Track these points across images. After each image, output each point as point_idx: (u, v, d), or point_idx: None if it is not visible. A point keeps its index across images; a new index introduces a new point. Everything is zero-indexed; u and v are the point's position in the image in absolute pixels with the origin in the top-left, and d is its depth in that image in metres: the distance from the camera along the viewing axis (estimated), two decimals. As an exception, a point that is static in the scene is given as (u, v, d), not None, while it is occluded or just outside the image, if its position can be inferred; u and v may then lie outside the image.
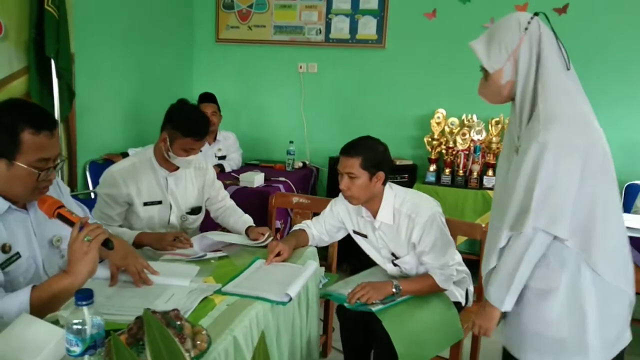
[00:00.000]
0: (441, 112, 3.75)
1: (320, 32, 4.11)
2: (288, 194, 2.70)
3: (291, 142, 3.85)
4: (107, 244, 1.35)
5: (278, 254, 1.88)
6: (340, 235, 2.22)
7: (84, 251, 1.31)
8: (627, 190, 3.48)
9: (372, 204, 1.98)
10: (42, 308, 1.26)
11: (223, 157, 3.69)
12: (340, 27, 4.07)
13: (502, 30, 1.40)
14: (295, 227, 2.19)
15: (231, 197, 3.09)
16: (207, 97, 3.65)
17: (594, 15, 3.62)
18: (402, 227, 1.95)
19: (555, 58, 1.37)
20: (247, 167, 3.80)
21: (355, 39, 4.06)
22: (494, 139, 3.68)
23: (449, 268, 1.93)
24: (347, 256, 3.09)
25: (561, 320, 1.38)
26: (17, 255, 1.41)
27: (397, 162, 3.70)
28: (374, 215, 2.00)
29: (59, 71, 2.84)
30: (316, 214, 2.65)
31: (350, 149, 1.92)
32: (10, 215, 1.41)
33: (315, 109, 4.20)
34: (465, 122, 3.72)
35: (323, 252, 2.22)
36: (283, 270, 1.81)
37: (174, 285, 1.57)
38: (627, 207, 3.32)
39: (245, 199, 3.07)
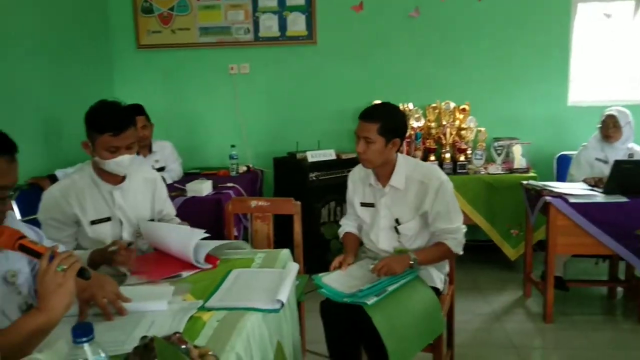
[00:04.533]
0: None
1: (249, 31, 4.00)
2: (245, 198, 2.58)
3: (233, 146, 3.71)
4: (83, 273, 1.19)
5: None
6: None
7: (58, 283, 1.14)
8: (558, 161, 3.70)
9: (384, 169, 2.04)
10: (13, 354, 1.08)
11: (162, 169, 3.48)
12: (269, 25, 3.98)
13: None
14: (339, 232, 2.27)
15: (179, 209, 2.93)
16: (135, 110, 3.41)
17: None
18: (412, 192, 2.02)
19: None
20: (188, 176, 3.61)
21: (285, 36, 3.99)
22: (433, 125, 3.77)
23: (460, 233, 2.02)
24: (304, 258, 3.03)
25: None
26: None
27: (343, 157, 3.68)
28: (383, 181, 2.06)
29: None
30: (278, 215, 2.57)
31: (369, 113, 1.97)
32: None
33: (251, 110, 4.08)
34: (403, 110, 3.78)
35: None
36: (264, 276, 1.70)
37: (151, 310, 1.41)
38: (562, 177, 3.53)
39: (195, 210, 2.91)
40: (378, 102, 3.72)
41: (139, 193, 2.06)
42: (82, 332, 0.81)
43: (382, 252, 2.10)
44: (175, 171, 3.53)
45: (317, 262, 3.38)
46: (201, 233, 1.84)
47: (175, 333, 1.03)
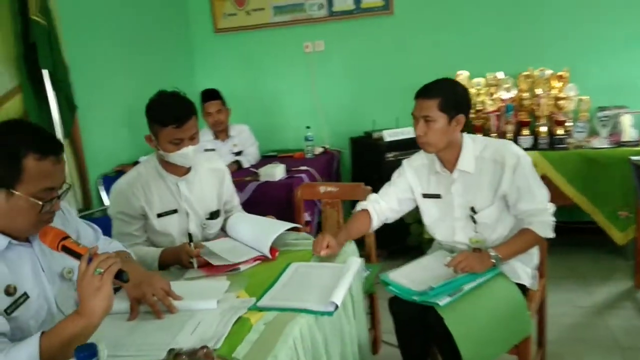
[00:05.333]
0: (463, 74, 3.49)
1: (323, 6, 3.85)
2: (314, 184, 2.49)
3: (308, 127, 3.63)
4: (120, 275, 1.16)
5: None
6: (407, 208, 2.03)
7: (96, 286, 1.12)
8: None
9: (449, 152, 1.82)
10: (54, 357, 1.08)
11: (239, 153, 3.49)
12: (343, -2, 3.80)
13: None
14: (356, 208, 2.01)
15: (253, 194, 2.93)
16: (210, 94, 3.44)
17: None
18: (486, 174, 1.79)
19: None
20: (264, 159, 3.60)
21: (360, 8, 3.79)
22: (525, 95, 3.40)
23: (547, 213, 1.77)
24: (383, 243, 2.88)
25: None
26: (25, 296, 1.24)
27: (423, 134, 3.45)
28: (450, 167, 1.84)
29: (56, 84, 2.66)
30: (347, 202, 2.45)
31: (427, 90, 1.78)
32: (12, 252, 1.24)
33: (328, 88, 3.96)
34: (491, 81, 3.44)
35: (358, 241, 2.03)
36: (323, 272, 1.60)
37: (201, 309, 1.37)
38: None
39: (268, 194, 2.88)
40: (463, 72, 3.45)
41: (205, 184, 2.03)
42: (86, 354, 0.75)
43: (458, 244, 1.90)
44: (252, 155, 3.53)
45: (396, 247, 3.25)
46: (286, 225, 1.81)
47: (202, 347, 0.95)
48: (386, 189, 2.01)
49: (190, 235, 1.83)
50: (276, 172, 2.93)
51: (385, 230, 2.31)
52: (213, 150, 3.46)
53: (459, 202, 1.86)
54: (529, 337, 1.77)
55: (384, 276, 1.78)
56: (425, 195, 1.93)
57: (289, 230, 1.89)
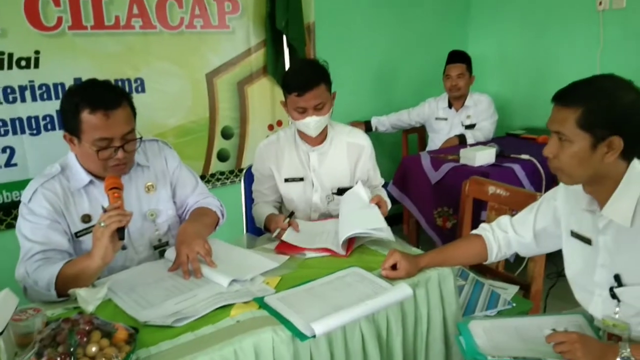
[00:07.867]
0: None
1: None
2: (484, 181, 2.01)
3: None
4: (118, 232, 1.28)
5: (394, 267, 1.41)
6: (546, 247, 1.46)
7: (97, 237, 1.28)
8: None
9: (599, 187, 1.20)
10: (67, 282, 1.30)
11: (472, 126, 3.11)
12: None
13: None
14: (472, 232, 1.57)
15: (445, 176, 2.59)
16: (454, 56, 3.11)
17: None
18: None
19: None
20: (502, 138, 3.10)
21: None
22: None
23: None
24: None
25: None
26: None
27: None
28: (602, 208, 1.22)
29: (289, 42, 2.91)
30: (517, 212, 1.91)
31: (565, 94, 1.16)
32: (94, 188, 1.50)
33: (619, 57, 3.01)
34: None
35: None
36: (365, 288, 1.33)
37: (213, 282, 1.37)
38: None
39: (458, 181, 2.47)
40: None
41: (339, 157, 1.94)
42: None
43: (595, 319, 1.26)
44: (483, 130, 3.08)
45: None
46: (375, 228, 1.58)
47: (88, 320, 0.97)
48: (526, 213, 1.47)
49: (292, 213, 1.82)
50: (477, 156, 2.46)
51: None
52: (444, 119, 3.19)
53: (603, 261, 1.21)
54: None
55: (463, 322, 1.36)
56: (574, 235, 1.32)
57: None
